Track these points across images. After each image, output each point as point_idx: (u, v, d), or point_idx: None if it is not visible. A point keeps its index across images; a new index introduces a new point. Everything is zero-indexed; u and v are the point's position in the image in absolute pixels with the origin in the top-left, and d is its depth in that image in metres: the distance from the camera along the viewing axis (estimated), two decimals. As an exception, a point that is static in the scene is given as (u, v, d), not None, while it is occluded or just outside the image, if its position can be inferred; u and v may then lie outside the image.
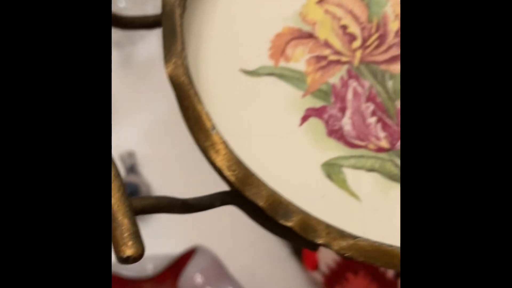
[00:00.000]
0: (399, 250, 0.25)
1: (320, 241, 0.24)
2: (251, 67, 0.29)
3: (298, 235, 0.24)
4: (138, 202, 0.22)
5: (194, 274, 0.53)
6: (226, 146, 0.25)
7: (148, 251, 0.56)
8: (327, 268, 0.49)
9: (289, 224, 0.24)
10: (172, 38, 0.26)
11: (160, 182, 0.62)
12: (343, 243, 0.25)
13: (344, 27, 0.31)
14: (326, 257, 0.48)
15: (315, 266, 0.51)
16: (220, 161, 0.24)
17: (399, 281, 0.43)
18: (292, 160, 0.28)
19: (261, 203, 0.24)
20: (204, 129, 0.25)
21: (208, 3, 0.30)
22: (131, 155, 0.61)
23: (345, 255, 0.25)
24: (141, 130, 0.60)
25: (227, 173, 0.24)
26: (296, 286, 0.56)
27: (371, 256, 0.25)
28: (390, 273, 0.43)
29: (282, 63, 0.30)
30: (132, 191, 0.59)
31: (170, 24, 0.26)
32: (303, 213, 0.24)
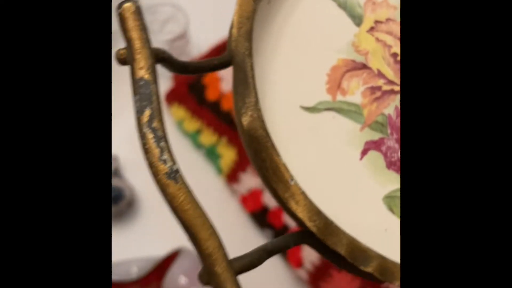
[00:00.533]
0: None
1: (397, 283, 0.26)
2: (311, 103, 0.31)
3: (376, 278, 0.26)
4: (237, 264, 0.24)
5: (178, 276, 0.55)
6: (305, 196, 0.27)
7: (132, 254, 0.57)
8: (312, 265, 0.51)
9: (368, 270, 0.26)
10: (246, 89, 0.27)
11: (144, 186, 0.63)
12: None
13: (395, 55, 0.32)
14: (310, 255, 0.50)
15: (299, 264, 0.53)
16: (301, 212, 0.26)
17: None
18: (355, 195, 0.30)
19: (342, 251, 0.26)
20: (283, 180, 0.27)
21: (270, 47, 0.31)
22: (114, 159, 0.62)
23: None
24: (124, 134, 0.60)
25: (309, 223, 0.26)
26: (281, 284, 0.58)
27: None
28: None
29: (339, 97, 0.31)
30: (116, 195, 0.59)
31: (243, 75, 0.27)
32: (381, 258, 0.27)
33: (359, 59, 0.32)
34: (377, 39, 0.32)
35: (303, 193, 0.27)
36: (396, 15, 0.33)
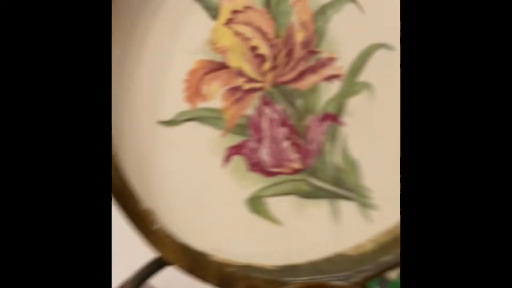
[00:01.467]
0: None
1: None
2: (169, 115, 0.30)
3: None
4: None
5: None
6: (171, 239, 0.28)
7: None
8: None
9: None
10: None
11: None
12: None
13: (254, 48, 0.31)
14: None
15: None
16: (169, 254, 0.28)
17: None
18: (218, 202, 0.31)
19: (211, 281, 0.28)
20: (148, 226, 0.27)
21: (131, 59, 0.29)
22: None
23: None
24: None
25: (177, 263, 0.28)
26: None
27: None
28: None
29: (200, 104, 0.30)
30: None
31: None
32: (247, 279, 0.29)
33: (218, 58, 0.31)
34: (236, 33, 0.31)
35: (168, 236, 0.28)
36: (256, 1, 0.31)
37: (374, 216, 0.33)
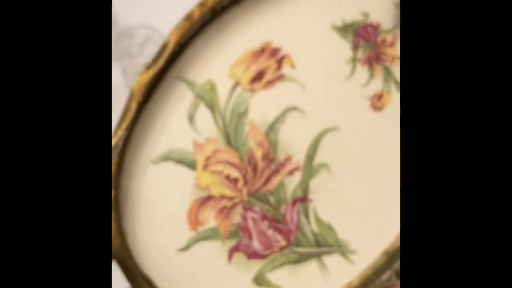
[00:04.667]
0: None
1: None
2: (182, 243, 0.43)
3: None
4: None
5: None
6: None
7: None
8: None
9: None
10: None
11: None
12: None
13: (227, 176, 0.44)
14: None
15: None
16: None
17: None
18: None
19: None
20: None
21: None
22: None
23: None
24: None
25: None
26: None
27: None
28: None
29: (200, 228, 0.43)
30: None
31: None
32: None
33: (204, 193, 0.44)
34: (212, 172, 0.44)
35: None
36: (220, 143, 0.45)
37: (355, 258, 0.39)
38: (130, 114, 0.45)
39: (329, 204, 0.41)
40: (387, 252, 0.36)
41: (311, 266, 0.40)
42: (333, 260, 0.40)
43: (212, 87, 0.47)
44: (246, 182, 0.44)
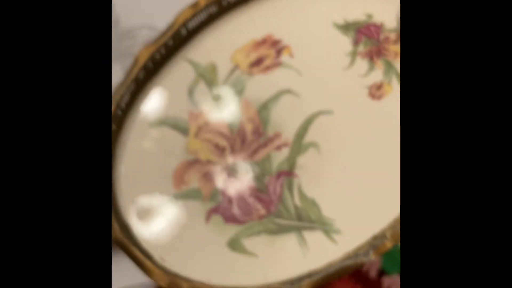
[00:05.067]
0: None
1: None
2: (164, 198, 0.44)
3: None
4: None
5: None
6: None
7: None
8: None
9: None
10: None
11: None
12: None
13: (216, 145, 0.45)
14: None
15: None
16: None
17: (382, 280, 0.51)
18: (206, 247, 0.41)
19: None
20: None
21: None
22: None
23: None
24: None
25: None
26: None
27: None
28: (373, 272, 0.51)
29: (183, 187, 0.44)
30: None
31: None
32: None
33: (192, 157, 0.45)
34: (203, 139, 0.45)
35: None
36: (214, 116, 0.46)
37: (339, 238, 0.40)
38: (131, 77, 0.47)
39: (315, 181, 0.42)
40: (376, 237, 0.37)
41: (290, 239, 0.41)
42: (314, 236, 0.40)
43: (213, 68, 0.48)
44: (233, 151, 0.45)
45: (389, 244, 0.37)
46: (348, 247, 0.39)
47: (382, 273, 0.50)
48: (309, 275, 0.38)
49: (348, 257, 0.38)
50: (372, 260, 0.37)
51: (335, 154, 0.43)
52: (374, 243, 0.37)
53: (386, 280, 0.49)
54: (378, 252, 0.37)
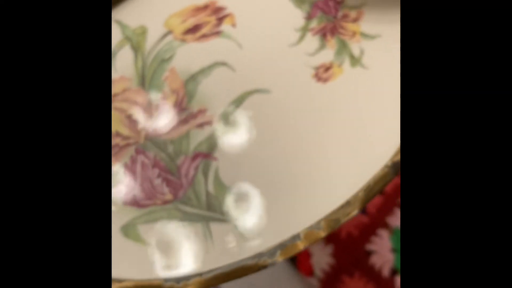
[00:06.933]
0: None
1: None
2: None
3: None
4: None
5: None
6: None
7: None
8: (322, 273, 0.52)
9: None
10: None
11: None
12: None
13: (129, 116, 0.38)
14: (320, 261, 0.51)
15: (310, 272, 0.54)
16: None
17: (395, 279, 0.47)
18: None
19: None
20: None
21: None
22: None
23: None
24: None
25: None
26: None
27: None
28: (386, 271, 0.48)
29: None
30: None
31: None
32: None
33: (96, 125, 0.38)
34: (114, 108, 0.39)
35: None
36: (132, 84, 0.40)
37: (250, 235, 0.33)
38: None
39: (237, 168, 0.36)
40: (283, 244, 0.31)
41: (194, 230, 0.35)
42: (222, 230, 0.34)
43: (143, 31, 0.42)
44: (147, 125, 0.38)
45: (301, 245, 0.31)
46: (258, 245, 0.33)
47: (394, 272, 0.48)
48: (200, 273, 0.32)
49: (251, 256, 0.32)
50: (278, 262, 0.31)
51: (265, 139, 0.36)
52: (284, 243, 0.32)
53: (399, 279, 0.46)
54: (287, 253, 0.30)
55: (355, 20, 0.40)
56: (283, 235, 0.33)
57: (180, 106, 0.38)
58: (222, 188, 0.35)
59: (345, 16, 0.40)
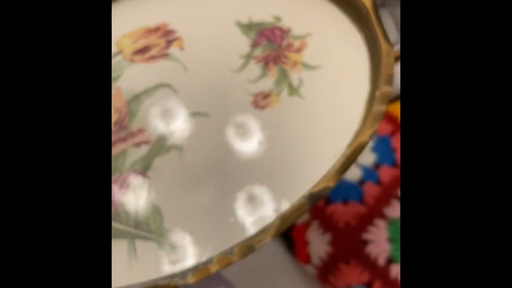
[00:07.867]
0: None
1: None
2: None
3: None
4: None
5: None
6: None
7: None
8: (319, 260, 0.52)
9: None
10: None
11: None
12: None
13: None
14: (317, 249, 0.51)
15: (307, 260, 0.54)
16: None
17: (390, 268, 0.48)
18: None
19: None
20: None
21: None
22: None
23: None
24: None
25: None
26: (290, 281, 0.59)
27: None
28: (381, 260, 0.48)
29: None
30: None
31: None
32: None
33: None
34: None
35: None
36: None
37: (173, 255, 0.34)
38: None
39: (167, 188, 0.36)
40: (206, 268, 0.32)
41: (119, 246, 0.35)
42: (147, 248, 0.35)
43: (94, 49, 0.43)
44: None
45: (212, 269, 0.31)
46: (182, 266, 0.33)
47: (390, 261, 0.48)
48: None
49: (163, 277, 0.32)
50: (189, 284, 0.31)
51: (199, 161, 0.37)
52: (197, 266, 0.32)
53: (394, 268, 0.48)
54: (198, 276, 0.31)
55: (299, 50, 0.41)
56: (200, 258, 0.34)
57: (121, 124, 0.39)
58: (151, 207, 0.36)
59: (289, 46, 0.41)
